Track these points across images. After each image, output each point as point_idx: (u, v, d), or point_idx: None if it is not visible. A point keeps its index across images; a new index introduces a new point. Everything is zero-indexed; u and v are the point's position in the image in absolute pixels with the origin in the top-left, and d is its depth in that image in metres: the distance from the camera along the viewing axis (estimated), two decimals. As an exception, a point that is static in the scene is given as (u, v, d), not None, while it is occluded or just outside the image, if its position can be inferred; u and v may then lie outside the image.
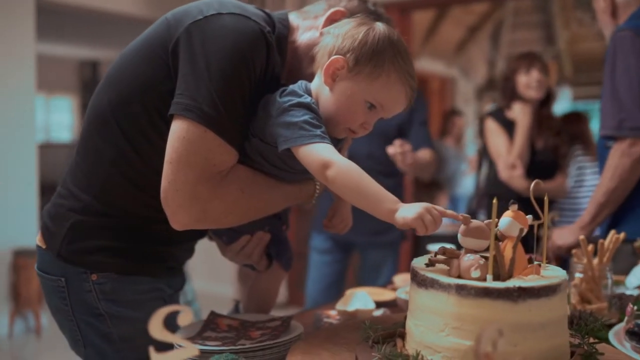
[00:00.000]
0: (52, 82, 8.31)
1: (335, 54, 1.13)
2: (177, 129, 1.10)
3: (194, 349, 0.80)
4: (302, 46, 1.29)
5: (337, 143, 1.23)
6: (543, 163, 2.78)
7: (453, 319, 0.91)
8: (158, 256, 1.29)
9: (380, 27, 1.15)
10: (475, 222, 0.98)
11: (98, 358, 1.26)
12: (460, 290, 0.91)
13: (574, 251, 1.46)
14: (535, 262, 1.03)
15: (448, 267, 0.98)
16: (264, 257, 1.37)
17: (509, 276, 0.94)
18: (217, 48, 1.11)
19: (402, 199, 2.74)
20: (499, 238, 0.99)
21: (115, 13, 4.59)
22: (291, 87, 1.18)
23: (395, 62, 1.12)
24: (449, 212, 1.00)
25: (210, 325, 1.28)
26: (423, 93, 6.79)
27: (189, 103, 1.09)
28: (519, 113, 2.74)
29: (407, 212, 0.98)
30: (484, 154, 2.95)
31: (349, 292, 1.56)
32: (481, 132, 2.94)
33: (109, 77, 1.24)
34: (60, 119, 10.92)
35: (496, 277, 0.93)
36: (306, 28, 1.31)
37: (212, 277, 5.05)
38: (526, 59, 2.78)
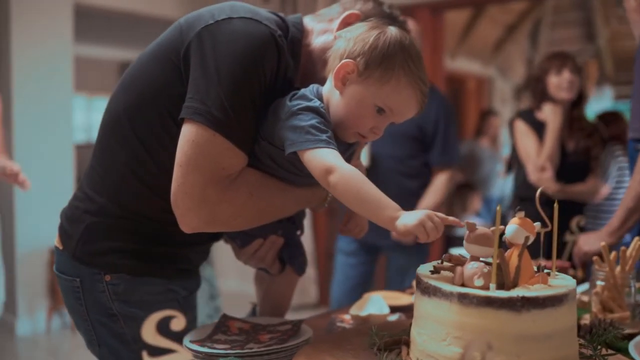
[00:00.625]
0: (94, 83, 8.50)
1: (346, 58, 1.13)
2: (187, 132, 1.12)
3: (187, 354, 0.80)
4: (316, 49, 1.29)
5: (348, 148, 1.23)
6: (574, 165, 2.71)
7: (455, 328, 0.90)
8: (171, 258, 1.30)
9: (392, 31, 1.14)
10: (480, 229, 0.96)
11: (112, 357, 1.28)
12: (463, 298, 0.89)
13: (594, 258, 1.41)
14: (546, 271, 1.01)
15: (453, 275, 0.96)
16: (277, 261, 1.37)
17: (514, 285, 0.92)
18: (227, 52, 1.11)
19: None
20: (507, 246, 0.97)
21: (149, 16, 4.68)
22: (302, 90, 1.18)
23: (406, 67, 1.11)
24: (451, 218, 0.99)
25: (221, 328, 1.28)
26: (456, 94, 6.68)
27: (199, 107, 1.10)
28: (550, 114, 2.67)
29: (408, 219, 0.97)
30: (513, 156, 2.90)
31: (365, 296, 1.55)
32: (511, 134, 2.88)
33: (124, 80, 1.26)
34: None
35: (501, 286, 0.91)
36: (321, 31, 1.30)
37: (242, 277, 5.09)
38: (557, 59, 2.71)
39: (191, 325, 1.43)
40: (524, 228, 0.93)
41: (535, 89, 2.75)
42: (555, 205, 1.01)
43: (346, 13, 1.28)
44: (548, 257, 2.12)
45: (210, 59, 1.12)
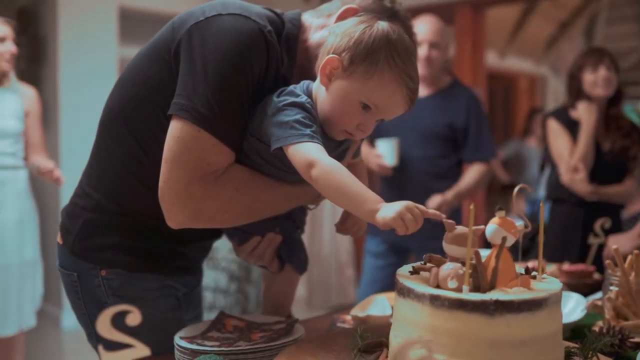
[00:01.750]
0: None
1: (332, 53, 1.10)
2: (173, 128, 1.12)
3: (144, 350, 0.80)
4: (312, 45, 1.27)
5: (339, 145, 1.20)
6: (610, 166, 2.58)
7: (426, 331, 0.86)
8: (168, 255, 1.31)
9: (380, 25, 1.11)
10: (459, 229, 0.92)
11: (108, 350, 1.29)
12: (434, 300, 0.85)
13: (607, 262, 1.34)
14: (534, 273, 0.96)
15: (431, 276, 0.93)
16: (275, 259, 1.36)
17: (491, 288, 0.88)
18: (214, 48, 1.11)
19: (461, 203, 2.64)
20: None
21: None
22: (291, 87, 1.17)
23: (391, 61, 1.07)
24: (431, 211, 0.95)
25: (217, 325, 1.28)
26: (507, 93, 6.51)
27: (185, 103, 1.11)
28: (584, 112, 2.56)
29: (387, 211, 0.94)
30: (546, 156, 2.79)
31: (371, 297, 1.52)
32: (544, 133, 2.77)
33: (120, 79, 1.27)
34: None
35: (477, 289, 0.87)
36: (318, 27, 1.29)
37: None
38: (593, 55, 2.59)
39: (196, 321, 1.44)
40: (503, 228, 0.89)
41: (570, 86, 2.64)
42: (542, 204, 0.95)
43: (343, 8, 1.26)
44: (580, 259, 2.03)
45: (198, 55, 1.12)
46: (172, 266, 1.32)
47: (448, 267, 0.89)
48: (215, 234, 1.37)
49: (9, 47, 2.77)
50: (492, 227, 0.90)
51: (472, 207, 0.85)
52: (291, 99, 1.11)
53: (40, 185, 3.21)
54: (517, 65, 7.69)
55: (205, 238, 1.37)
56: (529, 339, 0.84)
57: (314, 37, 1.27)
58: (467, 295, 0.84)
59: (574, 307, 1.39)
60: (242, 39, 1.12)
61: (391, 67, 1.07)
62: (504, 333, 0.83)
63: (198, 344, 1.16)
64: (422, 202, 2.52)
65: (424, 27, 2.63)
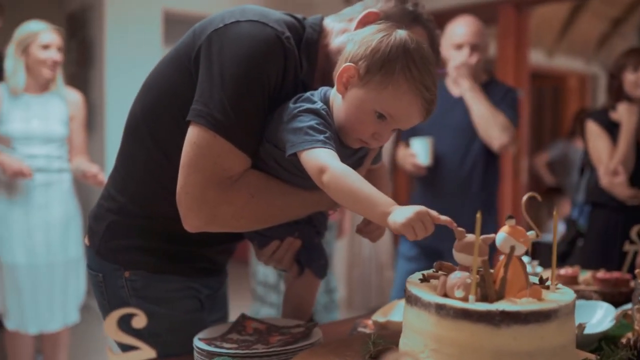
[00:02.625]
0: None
1: (349, 61, 1.10)
2: (190, 134, 1.14)
3: (150, 352, 0.82)
4: (333, 50, 1.27)
5: (355, 152, 1.20)
6: (651, 169, 2.50)
7: (432, 340, 0.86)
8: (189, 257, 1.33)
9: (398, 34, 1.10)
10: (469, 237, 0.90)
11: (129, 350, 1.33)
12: (440, 309, 0.85)
13: (637, 271, 1.29)
14: (548, 283, 0.93)
15: (441, 284, 0.91)
16: (294, 263, 1.36)
17: (499, 298, 0.86)
18: (231, 55, 1.13)
19: (493, 205, 2.57)
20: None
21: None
22: (308, 93, 1.17)
23: (407, 72, 1.06)
24: (443, 218, 0.93)
25: (237, 327, 1.30)
26: (556, 93, 6.31)
27: (202, 109, 1.12)
28: (624, 114, 2.47)
29: (398, 216, 0.93)
30: (585, 159, 2.71)
31: (394, 302, 1.51)
32: (583, 135, 2.69)
33: (144, 84, 1.30)
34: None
35: (485, 299, 0.86)
36: (340, 31, 1.28)
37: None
38: (635, 55, 2.51)
39: (221, 323, 1.46)
40: (512, 237, 0.87)
41: (610, 86, 2.56)
42: (555, 212, 0.92)
43: (365, 12, 1.25)
44: (620, 266, 1.96)
45: (215, 62, 1.13)
46: (195, 268, 1.35)
47: (455, 276, 0.88)
48: (238, 236, 1.38)
49: (53, 55, 2.86)
50: (501, 236, 0.88)
51: (478, 215, 0.84)
52: (306, 105, 1.11)
53: (84, 187, 3.31)
54: (567, 65, 7.48)
55: (227, 241, 1.39)
56: (537, 351, 0.82)
57: (335, 41, 1.27)
58: (473, 305, 0.83)
59: (602, 317, 1.34)
60: (259, 45, 1.13)
61: (407, 77, 1.06)
62: (510, 344, 0.81)
63: (216, 346, 1.17)
64: (458, 201, 2.51)
65: (464, 29, 2.60)
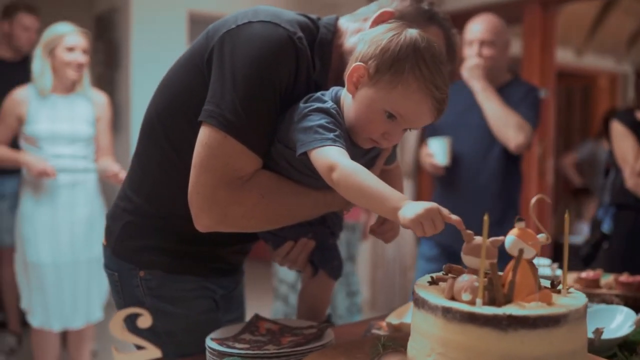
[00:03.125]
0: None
1: (360, 61, 1.10)
2: (201, 134, 1.15)
3: (156, 352, 0.83)
4: (347, 50, 1.27)
5: (367, 152, 1.20)
6: (678, 170, 2.43)
7: (438, 344, 0.84)
8: (205, 257, 1.33)
9: (408, 33, 1.09)
10: (478, 239, 0.89)
11: None
12: (446, 313, 0.83)
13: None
14: (559, 287, 0.92)
15: (449, 287, 0.90)
16: (308, 264, 1.36)
17: (507, 302, 0.85)
18: (242, 56, 1.13)
19: (514, 206, 2.52)
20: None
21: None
22: (319, 93, 1.17)
23: (417, 71, 1.05)
24: (454, 218, 0.91)
25: (250, 328, 1.30)
26: (586, 92, 6.21)
27: (213, 110, 1.13)
28: None
29: (408, 211, 0.92)
30: (611, 159, 2.65)
31: (409, 303, 1.50)
32: (608, 136, 2.64)
33: (159, 85, 1.31)
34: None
35: (493, 302, 0.84)
36: (354, 31, 1.28)
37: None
38: (663, 54, 2.45)
39: (237, 323, 1.46)
40: (522, 239, 0.85)
41: (636, 86, 2.50)
42: (566, 216, 0.91)
43: (379, 11, 1.24)
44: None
45: (228, 63, 1.14)
46: (209, 268, 1.35)
47: (463, 279, 0.86)
48: (253, 237, 1.39)
49: (78, 57, 2.90)
50: (510, 239, 0.87)
51: (486, 217, 0.82)
52: (316, 105, 1.11)
53: (110, 187, 3.36)
54: (597, 63, 7.34)
55: (242, 241, 1.39)
56: (545, 356, 0.80)
57: (349, 41, 1.27)
58: (480, 308, 0.81)
59: (622, 321, 1.31)
60: (270, 46, 1.13)
61: (417, 76, 1.05)
62: (517, 349, 0.80)
63: (228, 346, 1.18)
64: (476, 202, 2.48)
65: (476, 26, 2.58)
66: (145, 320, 0.83)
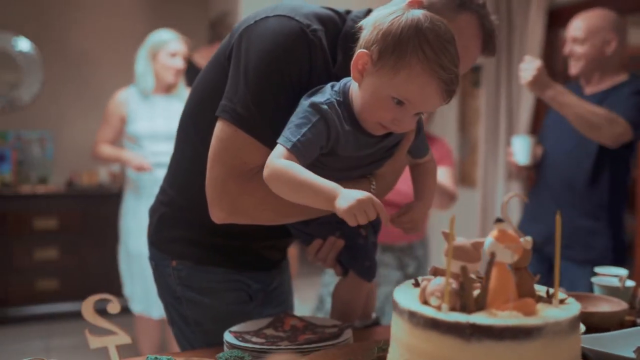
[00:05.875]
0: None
1: (363, 47, 1.07)
2: (216, 129, 1.18)
3: (126, 338, 0.85)
4: None
5: (379, 141, 1.16)
6: None
7: (405, 350, 0.80)
8: (233, 249, 1.36)
9: (411, 14, 1.04)
10: (459, 241, 0.83)
11: (180, 336, 1.40)
12: (412, 318, 0.79)
13: None
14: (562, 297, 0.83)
15: (431, 291, 0.85)
16: (337, 264, 1.35)
17: (479, 308, 0.78)
18: (254, 50, 1.15)
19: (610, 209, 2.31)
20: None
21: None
22: (327, 85, 1.16)
23: (420, 53, 1.00)
24: (383, 213, 0.99)
25: (275, 323, 1.31)
26: None
27: (227, 104, 1.16)
28: None
29: (342, 202, 0.98)
30: None
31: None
32: None
33: (193, 83, 1.36)
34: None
35: (464, 309, 0.78)
36: None
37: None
38: None
39: None
40: (499, 242, 0.78)
41: None
42: (557, 217, 0.82)
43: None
44: None
45: (242, 58, 1.16)
46: (239, 261, 1.37)
47: (435, 283, 0.81)
48: (285, 233, 1.39)
49: (177, 63, 3.10)
50: (488, 241, 0.80)
51: (452, 217, 0.76)
52: (311, 100, 1.11)
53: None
54: None
55: (273, 237, 1.40)
56: (514, 371, 0.73)
57: None
58: (442, 315, 0.76)
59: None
60: (281, 39, 1.14)
61: (420, 58, 1.00)
62: (481, 361, 0.73)
63: (243, 340, 1.19)
64: (563, 200, 2.31)
65: (573, 23, 2.43)
66: (114, 307, 0.86)
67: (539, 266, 2.50)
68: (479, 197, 4.17)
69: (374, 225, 1.38)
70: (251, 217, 1.20)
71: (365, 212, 0.96)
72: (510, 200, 0.81)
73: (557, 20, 3.62)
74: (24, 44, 4.66)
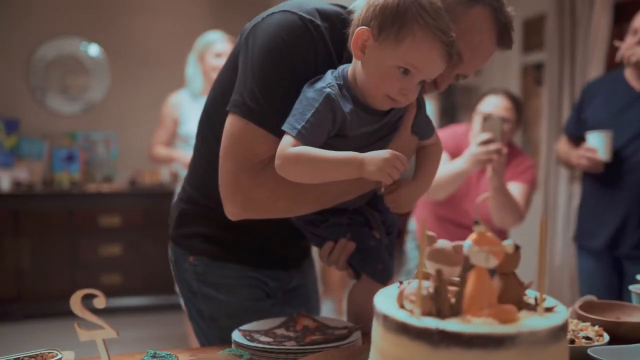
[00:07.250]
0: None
1: (361, 26, 1.09)
2: (227, 124, 1.20)
3: (112, 332, 0.87)
4: None
5: (381, 118, 1.17)
6: None
7: (379, 354, 0.78)
8: (248, 247, 1.37)
9: None
10: (440, 244, 0.80)
11: (198, 330, 1.42)
12: (385, 321, 0.77)
13: None
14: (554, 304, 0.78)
15: (413, 294, 0.82)
16: (348, 266, 1.33)
17: (454, 314, 0.75)
18: (259, 45, 1.17)
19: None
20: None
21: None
22: (328, 71, 1.17)
23: (420, 20, 1.05)
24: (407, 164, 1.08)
25: (288, 323, 1.30)
26: None
27: (237, 99, 1.18)
28: None
29: (371, 166, 1.07)
30: None
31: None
32: None
33: (212, 85, 1.38)
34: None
35: (439, 314, 0.75)
36: None
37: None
38: None
39: None
40: (477, 245, 0.74)
41: None
42: (542, 220, 0.77)
43: None
44: None
45: (249, 54, 1.19)
46: (255, 259, 1.38)
47: (412, 286, 0.78)
48: (299, 233, 1.38)
49: (223, 63, 3.14)
50: (466, 244, 0.76)
51: (425, 217, 0.74)
52: (313, 87, 1.13)
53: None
54: None
55: (289, 236, 1.39)
56: (484, 382, 0.70)
57: None
58: (410, 319, 0.73)
59: None
60: (282, 33, 1.15)
61: (421, 25, 1.05)
62: (450, 369, 0.70)
63: (252, 339, 1.19)
64: (635, 202, 2.21)
65: (637, 16, 2.31)
66: (100, 302, 0.88)
67: (610, 269, 2.41)
68: (540, 199, 4.02)
69: (387, 227, 1.36)
70: (266, 210, 1.21)
71: (395, 167, 1.05)
72: (482, 201, 0.77)
73: (622, 15, 3.44)
74: (92, 49, 4.88)
